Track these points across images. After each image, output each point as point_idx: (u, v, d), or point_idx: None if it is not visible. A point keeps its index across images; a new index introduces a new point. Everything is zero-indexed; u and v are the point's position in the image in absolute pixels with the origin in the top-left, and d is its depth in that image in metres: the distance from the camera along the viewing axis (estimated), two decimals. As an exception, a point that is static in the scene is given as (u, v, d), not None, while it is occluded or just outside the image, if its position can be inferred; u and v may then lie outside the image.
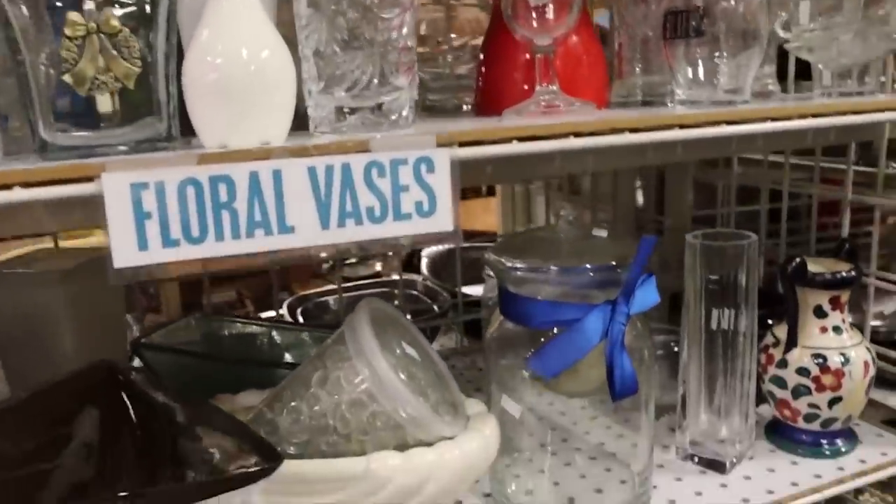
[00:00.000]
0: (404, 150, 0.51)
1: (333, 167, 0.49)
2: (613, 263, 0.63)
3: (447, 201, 0.52)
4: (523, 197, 1.42)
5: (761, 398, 0.78)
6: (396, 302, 1.32)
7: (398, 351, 0.64)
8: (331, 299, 1.32)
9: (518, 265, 0.63)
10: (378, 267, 1.64)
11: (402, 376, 0.62)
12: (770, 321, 0.79)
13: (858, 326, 0.79)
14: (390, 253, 2.16)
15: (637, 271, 0.61)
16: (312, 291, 1.31)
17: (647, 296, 0.64)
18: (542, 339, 0.64)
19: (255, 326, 0.92)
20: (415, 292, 1.34)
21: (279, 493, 0.58)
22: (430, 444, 0.60)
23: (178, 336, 0.92)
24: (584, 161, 0.62)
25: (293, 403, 0.62)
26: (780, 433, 0.78)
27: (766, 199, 1.00)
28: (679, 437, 0.77)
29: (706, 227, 1.06)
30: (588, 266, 0.62)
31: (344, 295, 1.45)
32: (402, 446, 0.60)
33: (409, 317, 1.05)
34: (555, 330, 0.63)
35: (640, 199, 1.25)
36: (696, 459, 0.76)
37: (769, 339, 0.77)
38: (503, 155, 0.54)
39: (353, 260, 1.67)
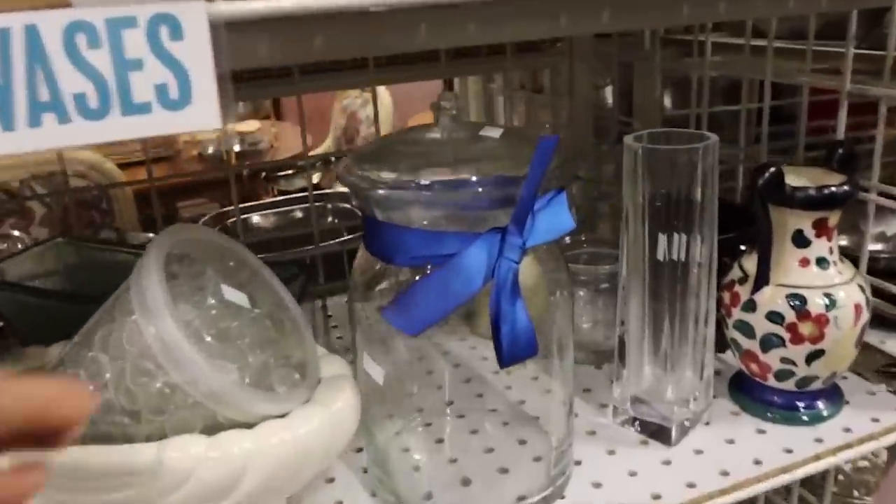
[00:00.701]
0: (129, 5, 0.32)
1: (10, 32, 0.31)
2: (508, 175, 0.45)
3: (208, 84, 0.34)
4: (479, 96, 1.22)
5: (725, 344, 0.62)
6: (332, 219, 1.15)
7: (212, 300, 0.47)
8: (256, 216, 1.15)
9: (375, 179, 0.46)
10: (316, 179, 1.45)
11: (208, 337, 0.45)
12: (742, 248, 0.62)
13: (852, 255, 0.61)
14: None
15: (532, 187, 0.43)
16: (232, 208, 1.13)
17: (555, 221, 0.47)
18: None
19: (125, 254, 0.76)
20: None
21: (53, 487, 0.43)
22: (250, 426, 0.44)
23: (40, 263, 0.77)
24: (462, 30, 0.43)
25: (72, 370, 0.47)
26: (745, 391, 0.62)
27: (748, 96, 0.81)
28: (616, 393, 0.61)
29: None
30: (469, 178, 0.45)
31: (271, 213, 1.27)
32: (213, 428, 0.44)
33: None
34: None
35: (608, 97, 1.05)
36: (637, 425, 0.60)
37: (735, 273, 0.60)
38: (307, 11, 0.35)
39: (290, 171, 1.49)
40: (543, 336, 0.49)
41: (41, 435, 0.27)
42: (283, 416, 0.45)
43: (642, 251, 0.55)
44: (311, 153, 0.92)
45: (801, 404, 0.59)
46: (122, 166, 1.71)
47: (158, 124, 0.34)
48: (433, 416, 0.62)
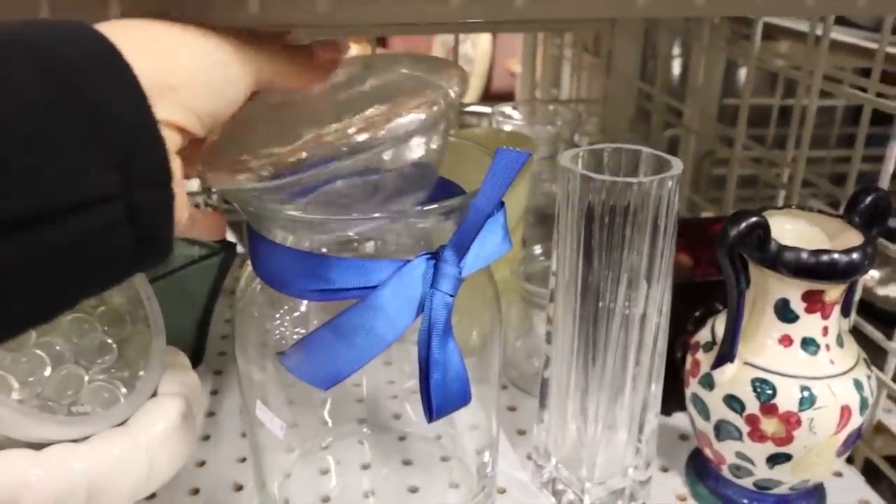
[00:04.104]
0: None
1: None
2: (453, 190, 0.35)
3: None
4: (550, 60, 1.09)
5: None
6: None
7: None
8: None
9: (255, 174, 0.35)
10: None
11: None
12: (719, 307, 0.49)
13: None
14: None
15: (484, 209, 0.34)
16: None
17: (490, 242, 0.37)
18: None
19: None
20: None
21: None
22: (36, 448, 0.38)
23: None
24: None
25: None
26: (702, 475, 0.51)
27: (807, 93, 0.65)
28: (538, 441, 0.51)
29: (731, 125, 0.73)
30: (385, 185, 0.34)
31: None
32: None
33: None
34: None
35: (674, 71, 0.90)
36: (553, 493, 0.50)
37: (703, 335, 0.48)
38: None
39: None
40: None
41: None
42: (76, 440, 0.39)
43: (574, 288, 0.44)
44: None
45: (763, 507, 0.47)
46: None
47: None
48: (341, 440, 0.54)
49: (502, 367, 0.62)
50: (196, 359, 0.62)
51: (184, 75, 0.27)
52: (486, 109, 1.15)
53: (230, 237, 0.71)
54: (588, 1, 0.33)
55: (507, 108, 0.72)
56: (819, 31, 0.58)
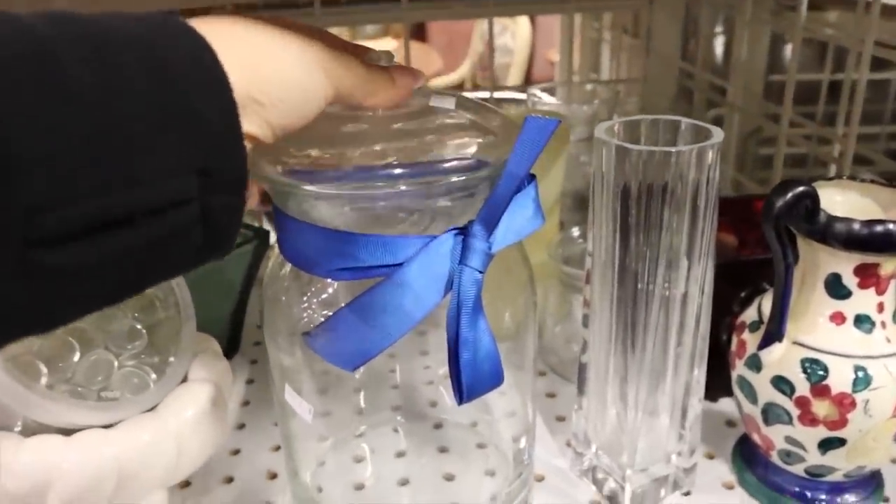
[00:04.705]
0: None
1: None
2: (468, 160, 0.34)
3: None
4: (588, 42, 1.06)
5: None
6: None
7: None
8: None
9: (288, 166, 0.33)
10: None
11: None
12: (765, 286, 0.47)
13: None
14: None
15: (514, 179, 0.32)
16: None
17: (522, 217, 0.35)
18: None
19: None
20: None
21: None
22: (66, 433, 0.38)
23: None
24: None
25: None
26: (749, 462, 0.48)
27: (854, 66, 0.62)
28: (577, 429, 0.49)
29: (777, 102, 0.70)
30: (424, 163, 0.33)
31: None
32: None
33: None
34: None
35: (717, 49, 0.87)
36: (594, 480, 0.48)
37: (750, 315, 0.46)
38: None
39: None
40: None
41: None
42: (108, 425, 0.39)
43: (611, 270, 0.42)
44: (444, 78, 0.82)
45: (817, 496, 0.45)
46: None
47: None
48: (375, 429, 0.53)
49: (540, 352, 0.61)
50: (232, 348, 0.62)
51: (271, 92, 0.27)
52: (523, 96, 1.14)
53: (264, 225, 0.71)
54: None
55: (542, 90, 0.71)
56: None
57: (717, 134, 0.39)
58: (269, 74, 0.27)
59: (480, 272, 0.33)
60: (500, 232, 0.34)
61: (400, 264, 0.32)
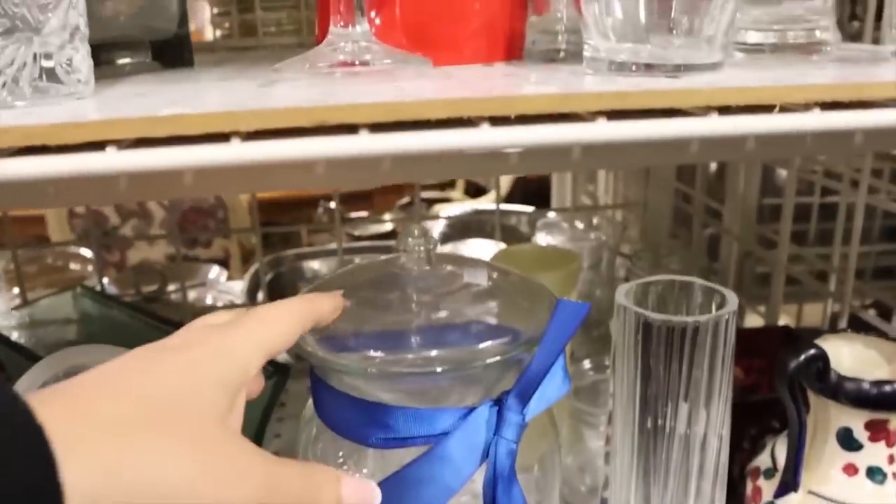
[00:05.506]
0: None
1: None
2: (506, 336, 0.36)
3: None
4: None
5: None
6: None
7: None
8: (317, 263, 1.09)
9: (321, 346, 0.36)
10: (389, 226, 1.39)
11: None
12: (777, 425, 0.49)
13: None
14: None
15: (547, 358, 0.35)
16: (292, 252, 1.09)
17: (552, 386, 0.38)
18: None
19: (123, 313, 0.73)
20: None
21: None
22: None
23: (59, 310, 0.77)
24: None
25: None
26: None
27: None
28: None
29: (772, 227, 0.73)
30: (453, 345, 0.36)
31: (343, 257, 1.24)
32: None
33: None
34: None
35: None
36: None
37: (763, 461, 0.47)
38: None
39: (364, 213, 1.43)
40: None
41: None
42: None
43: (632, 412, 0.44)
44: None
45: None
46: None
47: None
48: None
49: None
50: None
51: None
52: (525, 209, 1.18)
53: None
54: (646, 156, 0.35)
55: (550, 217, 0.74)
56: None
57: (732, 300, 0.41)
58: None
59: (515, 443, 0.35)
60: (533, 402, 0.36)
61: (436, 435, 0.34)
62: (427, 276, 0.39)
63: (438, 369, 0.34)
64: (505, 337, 0.36)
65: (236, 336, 0.28)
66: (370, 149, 0.29)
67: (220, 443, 0.24)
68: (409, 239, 0.39)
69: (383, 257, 0.42)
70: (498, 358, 0.34)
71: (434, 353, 0.35)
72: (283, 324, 0.30)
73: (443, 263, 0.40)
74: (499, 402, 0.35)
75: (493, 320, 0.37)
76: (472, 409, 0.35)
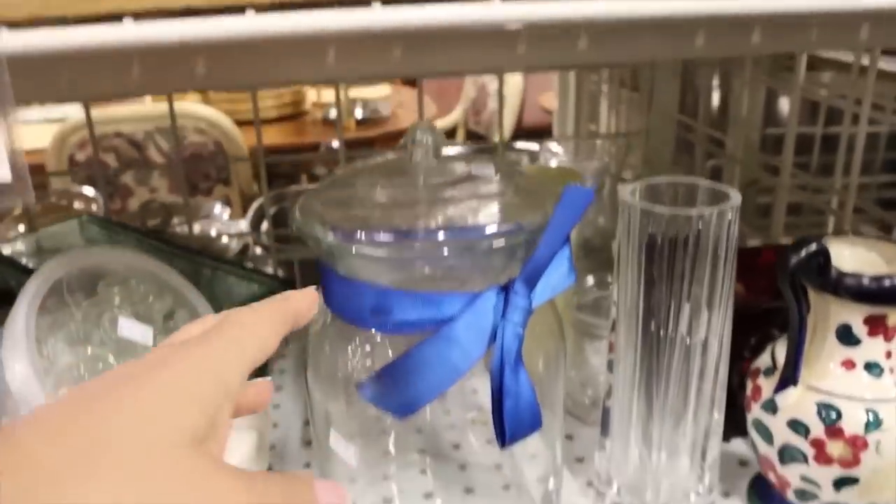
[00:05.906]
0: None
1: None
2: (508, 225, 0.37)
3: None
4: (587, 94, 1.10)
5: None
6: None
7: (104, 336, 0.43)
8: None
9: (332, 230, 0.36)
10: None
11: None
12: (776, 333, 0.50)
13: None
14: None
15: (553, 244, 0.36)
16: (294, 188, 1.09)
17: (557, 275, 0.38)
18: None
19: (130, 238, 0.73)
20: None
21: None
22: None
23: (63, 239, 0.77)
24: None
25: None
26: (764, 498, 0.51)
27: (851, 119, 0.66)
28: (601, 469, 0.51)
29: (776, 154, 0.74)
30: (468, 228, 0.36)
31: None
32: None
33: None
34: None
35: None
36: (619, 520, 0.51)
37: (764, 361, 0.48)
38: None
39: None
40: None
41: None
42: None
43: (636, 318, 0.45)
44: (438, 123, 0.85)
45: (828, 533, 0.47)
46: (242, 123, 1.70)
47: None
48: (405, 470, 0.55)
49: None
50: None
51: None
52: (529, 146, 1.18)
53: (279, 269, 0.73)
54: (652, 46, 0.35)
55: (553, 145, 0.74)
56: (866, 62, 0.59)
57: (735, 197, 0.42)
58: None
59: (522, 327, 0.36)
60: (539, 289, 0.37)
61: (444, 319, 0.35)
62: (434, 169, 0.40)
63: (445, 251, 0.35)
64: (511, 223, 0.37)
65: (210, 348, 0.25)
66: (382, 21, 0.30)
67: (194, 472, 0.21)
68: (417, 132, 0.40)
69: (391, 153, 0.43)
70: (503, 242, 0.35)
71: (441, 236, 0.35)
72: (263, 327, 0.27)
73: (450, 158, 0.41)
74: (506, 289, 0.36)
75: (499, 209, 0.38)
76: (479, 294, 0.35)
